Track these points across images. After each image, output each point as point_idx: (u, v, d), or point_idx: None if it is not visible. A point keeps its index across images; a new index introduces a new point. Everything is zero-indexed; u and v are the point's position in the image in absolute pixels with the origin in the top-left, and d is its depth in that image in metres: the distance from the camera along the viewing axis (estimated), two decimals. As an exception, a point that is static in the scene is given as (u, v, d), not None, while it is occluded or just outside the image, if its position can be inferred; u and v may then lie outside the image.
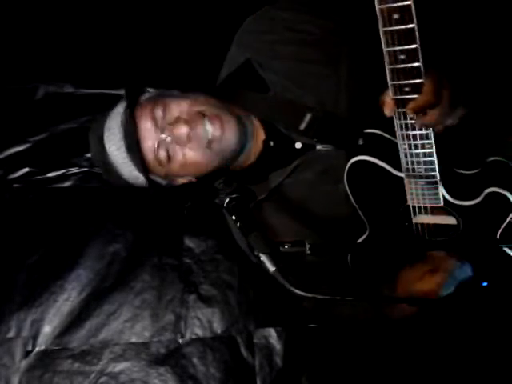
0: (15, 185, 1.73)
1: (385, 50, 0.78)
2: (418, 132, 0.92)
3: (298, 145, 1.21)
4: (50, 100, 1.78)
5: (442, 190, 1.03)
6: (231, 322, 1.65)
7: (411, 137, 0.93)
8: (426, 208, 1.09)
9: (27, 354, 1.57)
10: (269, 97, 1.22)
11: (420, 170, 0.98)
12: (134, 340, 1.61)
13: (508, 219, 1.04)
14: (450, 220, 1.10)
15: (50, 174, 1.75)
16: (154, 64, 1.76)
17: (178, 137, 1.10)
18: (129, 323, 1.63)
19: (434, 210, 1.09)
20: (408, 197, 1.07)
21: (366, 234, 1.20)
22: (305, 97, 1.18)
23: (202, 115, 1.11)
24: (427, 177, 1.00)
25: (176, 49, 1.78)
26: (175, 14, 1.77)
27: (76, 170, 1.77)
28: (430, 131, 0.92)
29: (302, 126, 1.17)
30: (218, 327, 1.64)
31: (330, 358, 1.62)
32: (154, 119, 1.11)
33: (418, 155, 0.96)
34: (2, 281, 1.63)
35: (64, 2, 1.72)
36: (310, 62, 1.17)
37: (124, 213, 1.73)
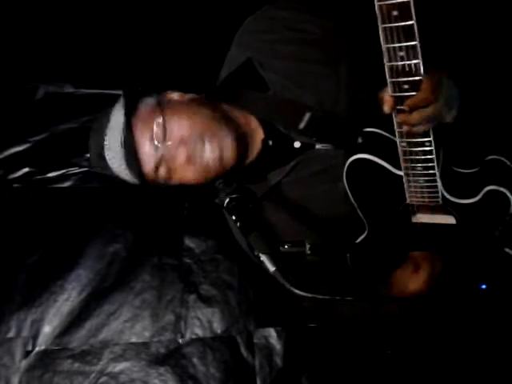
0: (15, 185, 1.73)
1: (384, 47, 0.78)
2: (411, 130, 0.92)
3: (297, 144, 1.21)
4: (49, 100, 1.78)
5: (440, 189, 1.03)
6: (231, 322, 1.65)
7: (410, 135, 0.93)
8: (425, 206, 1.09)
9: (27, 354, 1.57)
10: (268, 96, 1.23)
11: (419, 168, 0.99)
12: (134, 340, 1.61)
13: (507, 217, 1.04)
14: (449, 219, 1.10)
15: (49, 174, 1.75)
16: (153, 64, 1.76)
17: (177, 161, 1.12)
18: (129, 323, 1.63)
19: (434, 209, 1.09)
20: (407, 195, 1.08)
21: (365, 233, 1.20)
22: (304, 96, 1.18)
23: (202, 139, 1.12)
24: (426, 175, 1.00)
25: (176, 49, 1.78)
26: (175, 13, 1.77)
27: (76, 170, 1.77)
28: (429, 129, 0.92)
29: (302, 125, 1.17)
30: (218, 327, 1.64)
31: (329, 358, 1.62)
32: (152, 141, 1.11)
33: (416, 153, 0.96)
34: (2, 281, 1.64)
35: (64, 2, 1.72)
36: (310, 62, 1.17)
37: (124, 213, 1.73)
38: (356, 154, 1.07)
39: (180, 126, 1.12)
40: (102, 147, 1.14)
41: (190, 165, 1.13)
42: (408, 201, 1.09)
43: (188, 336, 1.62)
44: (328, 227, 1.23)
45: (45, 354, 1.58)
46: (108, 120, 1.14)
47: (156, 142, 1.11)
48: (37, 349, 1.58)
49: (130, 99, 1.15)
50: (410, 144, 0.95)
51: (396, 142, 0.97)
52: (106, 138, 1.13)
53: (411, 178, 1.02)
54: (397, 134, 0.94)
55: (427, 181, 1.01)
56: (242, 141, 1.17)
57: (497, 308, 1.20)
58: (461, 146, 1.10)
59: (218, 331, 1.64)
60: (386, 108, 0.88)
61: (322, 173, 1.22)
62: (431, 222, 1.13)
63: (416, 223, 1.14)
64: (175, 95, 1.20)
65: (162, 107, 1.15)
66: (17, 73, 1.77)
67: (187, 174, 1.14)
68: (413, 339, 1.50)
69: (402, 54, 0.78)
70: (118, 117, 1.13)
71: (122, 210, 1.73)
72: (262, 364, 1.61)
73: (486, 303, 1.15)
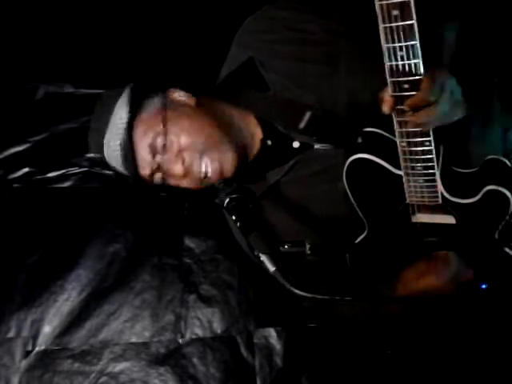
0: (15, 185, 1.73)
1: (384, 46, 0.78)
2: (416, 129, 0.92)
3: (296, 144, 1.21)
4: (49, 100, 1.78)
5: (440, 188, 1.03)
6: (231, 322, 1.65)
7: (410, 134, 0.93)
8: (424, 206, 1.09)
9: (27, 354, 1.57)
10: (268, 96, 1.23)
11: (419, 167, 0.99)
12: (134, 340, 1.61)
13: (506, 217, 1.04)
14: (449, 219, 1.10)
15: (50, 174, 1.75)
16: (154, 64, 1.75)
17: (174, 172, 1.14)
18: (129, 323, 1.63)
19: (433, 209, 1.09)
20: (407, 195, 1.08)
21: (365, 233, 1.20)
22: (304, 96, 1.18)
23: (201, 154, 1.12)
24: (426, 175, 1.00)
25: (176, 48, 1.77)
26: (175, 13, 1.76)
27: (76, 170, 1.77)
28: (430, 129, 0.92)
29: (302, 125, 1.18)
30: (218, 327, 1.64)
31: (329, 358, 1.62)
32: (152, 147, 1.13)
33: (416, 153, 0.96)
34: (2, 281, 1.63)
35: (64, 2, 1.72)
36: (310, 62, 1.17)
37: (124, 213, 1.73)
38: (356, 153, 1.07)
39: (180, 139, 1.13)
40: (101, 143, 1.15)
41: (186, 176, 1.14)
42: (408, 200, 1.09)
43: (188, 336, 1.62)
44: (328, 227, 1.23)
45: (45, 354, 1.58)
46: (110, 113, 1.14)
47: (156, 149, 1.13)
48: (37, 349, 1.58)
49: (136, 97, 1.15)
50: (410, 144, 0.95)
51: (396, 142, 0.97)
52: (106, 136, 1.14)
53: (411, 178, 1.02)
54: (396, 133, 0.95)
55: (427, 180, 1.01)
56: (241, 152, 1.18)
57: (497, 308, 1.20)
58: (461, 145, 1.10)
59: (218, 331, 1.64)
60: (386, 108, 0.88)
61: (321, 173, 1.22)
62: (431, 221, 1.13)
63: (416, 223, 1.14)
64: (177, 95, 1.20)
65: (164, 110, 1.15)
66: (17, 73, 1.77)
67: (183, 183, 1.17)
68: (413, 339, 1.50)
69: (402, 53, 0.78)
70: (120, 114, 1.13)
71: (121, 210, 1.73)
72: (262, 364, 1.61)
73: (486, 303, 1.15)
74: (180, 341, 1.62)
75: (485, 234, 1.09)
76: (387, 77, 0.83)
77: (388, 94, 0.86)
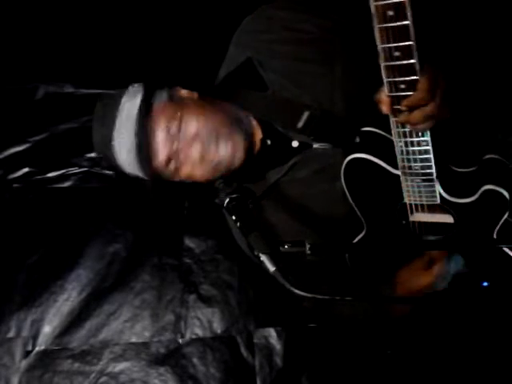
0: (15, 185, 1.73)
1: (379, 47, 0.78)
2: (413, 129, 0.92)
3: (295, 143, 1.22)
4: (49, 100, 1.78)
5: (438, 188, 1.03)
6: (231, 322, 1.65)
7: (407, 134, 0.93)
8: (422, 206, 1.09)
9: (27, 354, 1.57)
10: (267, 96, 1.23)
11: (416, 167, 0.99)
12: (134, 340, 1.61)
13: (504, 217, 1.04)
14: (447, 218, 1.10)
15: (49, 174, 1.75)
16: (154, 64, 1.75)
17: (191, 157, 1.12)
18: (129, 323, 1.63)
19: (431, 208, 1.09)
20: (404, 194, 1.08)
21: (363, 232, 1.20)
22: (302, 96, 1.19)
23: (216, 137, 1.12)
24: (423, 174, 1.00)
25: (176, 49, 1.78)
26: (174, 13, 1.76)
27: (76, 170, 1.77)
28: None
29: (300, 124, 1.18)
30: (218, 327, 1.64)
31: (329, 358, 1.62)
32: (168, 133, 1.11)
33: (414, 152, 0.96)
34: (2, 281, 1.63)
35: (64, 2, 1.72)
36: (307, 61, 1.18)
37: (124, 213, 1.73)
38: (353, 153, 1.07)
39: (196, 122, 1.13)
40: (111, 133, 1.11)
41: (202, 162, 1.13)
42: (405, 200, 1.09)
43: (188, 336, 1.62)
44: (327, 226, 1.23)
45: (45, 354, 1.58)
46: (116, 109, 1.12)
47: (171, 134, 1.11)
48: (37, 349, 1.58)
49: (148, 90, 1.15)
50: (407, 143, 0.95)
51: (393, 141, 0.97)
52: (115, 128, 1.11)
53: (408, 178, 1.02)
54: (393, 133, 0.95)
55: (424, 180, 1.01)
56: (250, 142, 1.18)
57: (497, 308, 1.20)
58: (458, 144, 1.10)
59: (218, 331, 1.64)
60: (384, 108, 0.88)
61: (320, 172, 1.22)
62: (429, 221, 1.13)
63: (414, 222, 1.14)
64: (185, 92, 1.20)
65: (176, 102, 1.15)
66: (17, 73, 1.77)
67: (196, 171, 1.15)
68: (413, 339, 1.50)
69: (397, 54, 0.78)
70: (129, 107, 1.12)
71: (121, 210, 1.73)
72: (262, 364, 1.61)
73: (486, 303, 1.15)
74: (180, 341, 1.62)
75: (483, 233, 1.09)
76: (383, 77, 0.83)
77: (384, 94, 0.87)
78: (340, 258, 1.25)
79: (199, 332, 1.63)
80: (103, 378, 1.57)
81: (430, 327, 1.43)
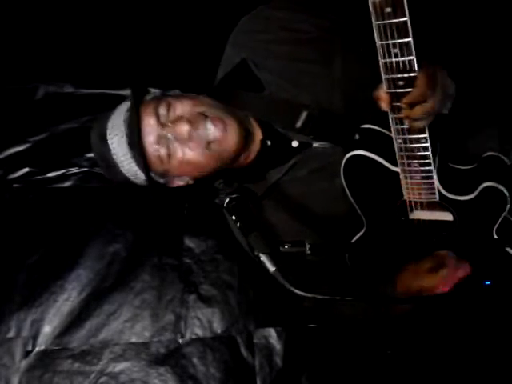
0: (15, 185, 1.73)
1: (378, 44, 0.78)
2: (412, 125, 0.92)
3: (295, 143, 1.22)
4: (50, 100, 1.78)
5: (437, 185, 1.03)
6: (231, 322, 1.65)
7: (406, 131, 0.93)
8: (422, 203, 1.09)
9: (27, 354, 1.57)
10: (264, 96, 1.23)
11: (415, 164, 0.99)
12: (134, 340, 1.61)
13: (504, 214, 1.04)
14: (447, 216, 1.10)
15: (50, 174, 1.75)
16: (153, 64, 1.76)
17: (180, 134, 1.11)
18: (129, 323, 1.63)
19: (431, 206, 1.09)
20: (404, 192, 1.08)
21: (363, 230, 1.20)
22: (300, 95, 1.19)
23: (205, 116, 1.12)
24: (422, 171, 1.00)
25: (175, 49, 1.78)
26: (174, 14, 1.77)
27: (76, 170, 1.77)
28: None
29: (299, 124, 1.18)
30: (218, 327, 1.64)
31: (329, 358, 1.62)
32: (157, 116, 1.12)
33: (412, 149, 0.96)
34: (2, 281, 1.63)
35: (64, 2, 1.72)
36: (305, 61, 1.18)
37: (124, 213, 1.73)
38: (353, 150, 1.07)
39: (183, 105, 1.13)
40: (105, 128, 1.14)
41: (191, 141, 1.12)
42: (405, 197, 1.09)
43: (188, 336, 1.62)
44: (327, 225, 1.23)
45: (45, 354, 1.58)
46: (113, 112, 1.16)
47: (160, 117, 1.12)
48: (37, 349, 1.58)
49: (138, 91, 1.16)
50: (406, 140, 0.95)
51: (393, 138, 0.97)
52: (110, 120, 1.14)
53: (407, 175, 1.02)
54: (392, 130, 0.95)
55: (423, 177, 1.01)
56: (245, 131, 1.17)
57: (497, 309, 1.20)
58: (458, 142, 1.10)
59: (218, 331, 1.64)
60: (383, 105, 0.88)
61: (320, 170, 1.22)
62: (428, 218, 1.13)
63: (413, 220, 1.15)
64: (178, 91, 1.21)
65: (168, 96, 1.16)
66: (17, 73, 1.77)
67: (188, 153, 1.13)
68: (413, 339, 1.50)
69: (395, 50, 0.78)
70: (122, 106, 1.16)
71: (122, 210, 1.73)
72: (262, 364, 1.61)
73: (486, 303, 1.15)
74: (180, 341, 1.62)
75: (482, 231, 1.09)
76: (382, 74, 0.83)
77: (383, 91, 0.87)
78: (340, 258, 1.25)
79: (199, 332, 1.63)
80: (103, 378, 1.57)
81: (430, 327, 1.43)
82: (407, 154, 0.97)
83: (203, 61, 1.59)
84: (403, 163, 1.00)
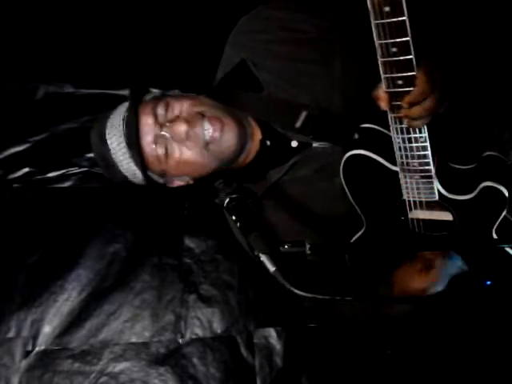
0: (15, 185, 1.73)
1: (377, 42, 0.78)
2: (412, 124, 0.92)
3: (294, 143, 1.22)
4: (50, 100, 1.78)
5: (436, 185, 1.03)
6: (231, 322, 1.65)
7: (405, 130, 0.93)
8: (421, 203, 1.09)
9: (27, 354, 1.57)
10: (263, 96, 1.23)
11: (414, 163, 0.99)
12: (134, 340, 1.61)
13: (503, 214, 1.04)
14: (446, 215, 1.10)
15: (50, 174, 1.75)
16: (152, 64, 1.76)
17: (177, 134, 1.11)
18: (129, 323, 1.63)
19: (430, 205, 1.09)
20: (403, 191, 1.07)
21: (363, 229, 1.20)
22: (299, 95, 1.19)
23: (202, 115, 1.12)
24: (422, 171, 1.00)
25: (175, 49, 1.78)
26: (173, 14, 1.77)
27: (76, 170, 1.77)
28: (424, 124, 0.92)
29: (298, 124, 1.18)
30: (218, 327, 1.64)
31: (329, 358, 1.62)
32: (155, 116, 1.12)
33: (411, 149, 0.96)
34: (2, 281, 1.63)
35: (64, 2, 1.72)
36: (304, 61, 1.18)
37: (124, 213, 1.73)
38: (352, 149, 1.07)
39: (182, 104, 1.14)
40: (104, 127, 1.14)
41: (188, 140, 1.11)
42: (404, 197, 1.09)
43: (188, 336, 1.62)
44: (327, 225, 1.23)
45: (45, 354, 1.58)
46: (112, 112, 1.17)
47: (158, 116, 1.12)
48: (37, 349, 1.58)
49: (137, 91, 1.16)
50: (405, 140, 0.95)
51: (392, 138, 0.97)
52: (109, 120, 1.14)
53: (407, 174, 1.02)
54: (392, 129, 0.95)
55: (423, 177, 1.01)
56: (244, 131, 1.17)
57: (497, 309, 1.20)
58: (457, 142, 1.10)
59: (218, 331, 1.64)
60: (383, 104, 0.88)
61: (320, 170, 1.22)
62: (428, 218, 1.13)
63: (413, 219, 1.15)
64: (178, 92, 1.22)
65: (166, 96, 1.17)
66: (17, 73, 1.77)
67: (185, 152, 1.13)
68: (413, 339, 1.51)
69: (394, 49, 0.78)
70: (122, 106, 1.16)
71: (122, 210, 1.73)
72: (262, 364, 1.61)
73: (486, 304, 1.15)
74: (180, 341, 1.62)
75: (482, 230, 1.09)
76: (381, 73, 0.83)
77: (382, 91, 0.87)
78: (340, 258, 1.25)
79: (199, 332, 1.63)
80: (103, 378, 1.57)
81: (430, 327, 1.43)
82: (406, 153, 0.97)
83: (203, 61, 1.59)
84: (402, 162, 1.00)
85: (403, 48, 0.78)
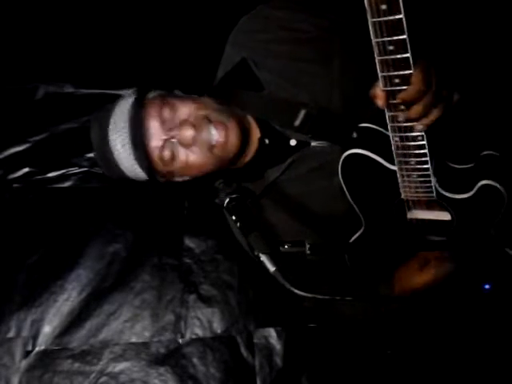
0: (15, 185, 1.73)
1: (374, 41, 0.78)
2: (408, 124, 0.92)
3: (293, 142, 1.22)
4: (50, 100, 1.78)
5: (434, 183, 1.03)
6: (231, 322, 1.65)
7: (402, 129, 0.93)
8: (419, 202, 1.09)
9: (27, 354, 1.57)
10: (263, 95, 1.23)
11: (412, 162, 0.99)
12: (134, 340, 1.61)
13: (501, 212, 1.04)
14: (445, 215, 1.10)
15: (50, 174, 1.75)
16: (153, 64, 1.76)
17: (184, 138, 1.11)
18: (129, 323, 1.63)
19: (428, 205, 1.09)
20: (401, 190, 1.07)
21: (362, 229, 1.20)
22: (299, 95, 1.19)
23: (208, 120, 1.12)
24: (419, 170, 1.00)
25: (175, 49, 1.78)
26: (174, 14, 1.77)
27: (76, 170, 1.77)
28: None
29: (297, 123, 1.18)
30: (218, 327, 1.64)
31: (329, 358, 1.62)
32: (161, 119, 1.12)
33: (409, 148, 0.96)
34: (2, 281, 1.64)
35: (64, 2, 1.72)
36: (304, 61, 1.18)
37: (124, 213, 1.73)
38: (351, 148, 1.07)
39: (188, 108, 1.13)
40: (106, 124, 1.12)
41: (195, 145, 1.12)
42: (403, 196, 1.09)
43: (188, 336, 1.62)
44: (326, 224, 1.23)
45: (45, 354, 1.58)
46: (113, 107, 1.14)
47: (164, 120, 1.11)
48: (37, 349, 1.58)
49: (142, 90, 1.16)
50: (403, 139, 0.95)
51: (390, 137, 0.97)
52: (112, 118, 1.12)
53: (405, 173, 1.02)
54: (389, 128, 0.95)
55: (420, 176, 1.01)
56: (244, 132, 1.18)
57: (497, 309, 1.20)
58: (456, 141, 1.10)
59: (218, 331, 1.64)
60: (379, 103, 0.88)
61: (318, 169, 1.22)
62: (426, 217, 1.13)
63: (411, 219, 1.15)
64: (179, 92, 1.21)
65: (171, 97, 1.16)
66: (17, 73, 1.77)
67: (191, 156, 1.13)
68: (413, 339, 1.51)
69: (391, 48, 0.78)
70: (123, 102, 1.13)
71: (122, 210, 1.73)
72: (262, 364, 1.61)
73: (486, 304, 1.15)
74: (180, 341, 1.62)
75: (480, 229, 1.09)
76: (378, 71, 0.83)
77: (379, 89, 0.87)
78: (340, 258, 1.25)
79: (199, 332, 1.63)
80: (103, 378, 1.57)
81: (430, 327, 1.43)
82: (404, 152, 0.97)
83: (203, 60, 1.59)
84: (400, 161, 1.00)
85: (400, 46, 0.78)
